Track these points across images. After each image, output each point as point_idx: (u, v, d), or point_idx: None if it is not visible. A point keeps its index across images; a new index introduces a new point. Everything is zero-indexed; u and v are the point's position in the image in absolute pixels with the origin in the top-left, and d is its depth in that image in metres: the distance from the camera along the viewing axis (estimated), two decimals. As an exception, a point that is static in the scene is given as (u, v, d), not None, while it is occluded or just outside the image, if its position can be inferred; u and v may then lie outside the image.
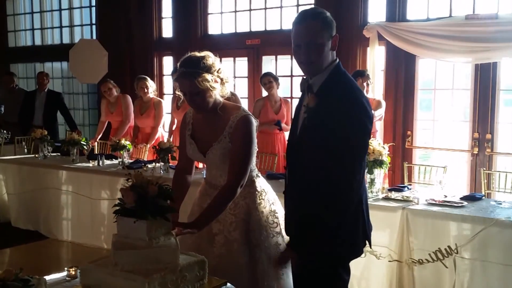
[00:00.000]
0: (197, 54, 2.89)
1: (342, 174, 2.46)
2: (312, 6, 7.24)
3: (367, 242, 2.74)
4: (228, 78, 2.99)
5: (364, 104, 2.52)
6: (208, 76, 2.83)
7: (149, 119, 7.16)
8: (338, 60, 2.64)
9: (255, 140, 2.98)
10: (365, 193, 2.71)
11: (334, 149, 2.44)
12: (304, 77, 2.70)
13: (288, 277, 3.01)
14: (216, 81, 2.88)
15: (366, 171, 4.06)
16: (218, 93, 2.93)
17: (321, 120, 2.51)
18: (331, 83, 2.56)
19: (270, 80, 6.55)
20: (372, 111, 2.70)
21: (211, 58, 2.89)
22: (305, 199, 2.58)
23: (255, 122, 2.97)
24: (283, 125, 6.61)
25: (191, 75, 2.81)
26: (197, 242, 2.95)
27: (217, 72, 2.89)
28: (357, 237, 2.66)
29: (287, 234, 2.89)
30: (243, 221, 2.97)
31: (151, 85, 7.15)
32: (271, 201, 3.08)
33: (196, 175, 3.44)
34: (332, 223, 2.51)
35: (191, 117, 3.13)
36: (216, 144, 2.94)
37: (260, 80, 6.75)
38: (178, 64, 2.91)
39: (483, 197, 4.45)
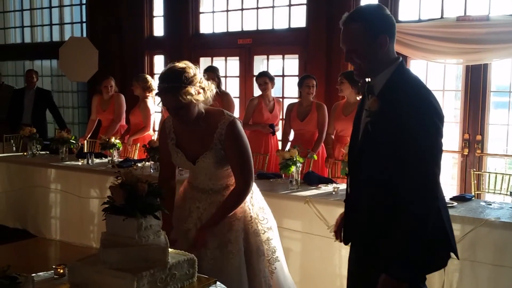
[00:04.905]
0: (177, 66, 2.83)
1: (417, 180, 2.21)
2: (304, 5, 7.23)
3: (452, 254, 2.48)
4: (210, 86, 2.94)
5: (433, 103, 2.26)
6: (191, 89, 2.79)
7: (138, 116, 7.15)
8: (401, 59, 2.40)
9: (247, 139, 3.01)
10: (443, 200, 2.45)
11: (405, 154, 2.22)
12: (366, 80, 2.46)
13: (282, 269, 3.11)
14: (199, 92, 2.84)
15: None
16: (201, 103, 2.91)
17: (386, 124, 2.28)
18: (394, 84, 2.32)
19: (266, 81, 6.51)
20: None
21: (191, 69, 2.85)
22: (376, 209, 2.36)
23: (240, 123, 2.99)
24: (276, 127, 6.61)
25: (174, 90, 2.77)
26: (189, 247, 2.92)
27: (199, 83, 2.85)
28: (439, 246, 2.39)
29: (360, 243, 2.51)
30: (237, 221, 3.00)
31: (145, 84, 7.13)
32: (258, 200, 3.15)
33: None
34: (420, 232, 2.22)
35: (171, 126, 3.08)
36: (208, 153, 2.93)
37: (256, 79, 6.72)
38: (159, 79, 2.85)
39: (473, 198, 4.47)
